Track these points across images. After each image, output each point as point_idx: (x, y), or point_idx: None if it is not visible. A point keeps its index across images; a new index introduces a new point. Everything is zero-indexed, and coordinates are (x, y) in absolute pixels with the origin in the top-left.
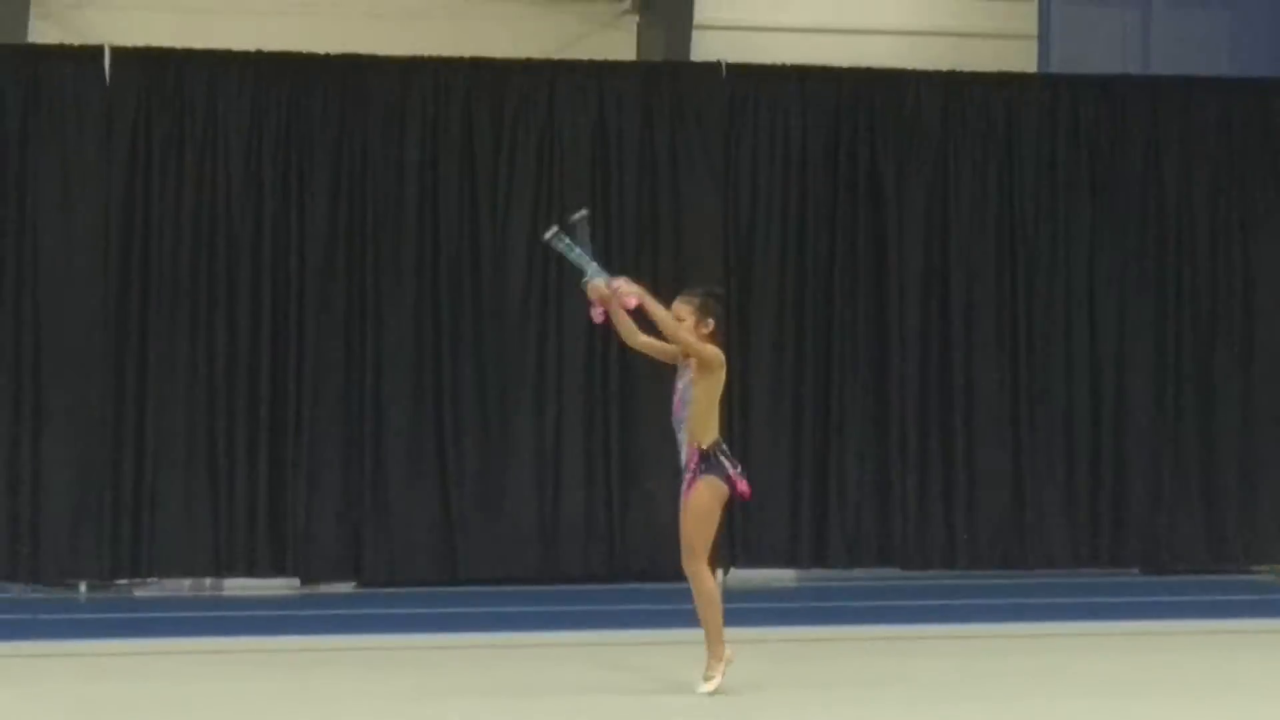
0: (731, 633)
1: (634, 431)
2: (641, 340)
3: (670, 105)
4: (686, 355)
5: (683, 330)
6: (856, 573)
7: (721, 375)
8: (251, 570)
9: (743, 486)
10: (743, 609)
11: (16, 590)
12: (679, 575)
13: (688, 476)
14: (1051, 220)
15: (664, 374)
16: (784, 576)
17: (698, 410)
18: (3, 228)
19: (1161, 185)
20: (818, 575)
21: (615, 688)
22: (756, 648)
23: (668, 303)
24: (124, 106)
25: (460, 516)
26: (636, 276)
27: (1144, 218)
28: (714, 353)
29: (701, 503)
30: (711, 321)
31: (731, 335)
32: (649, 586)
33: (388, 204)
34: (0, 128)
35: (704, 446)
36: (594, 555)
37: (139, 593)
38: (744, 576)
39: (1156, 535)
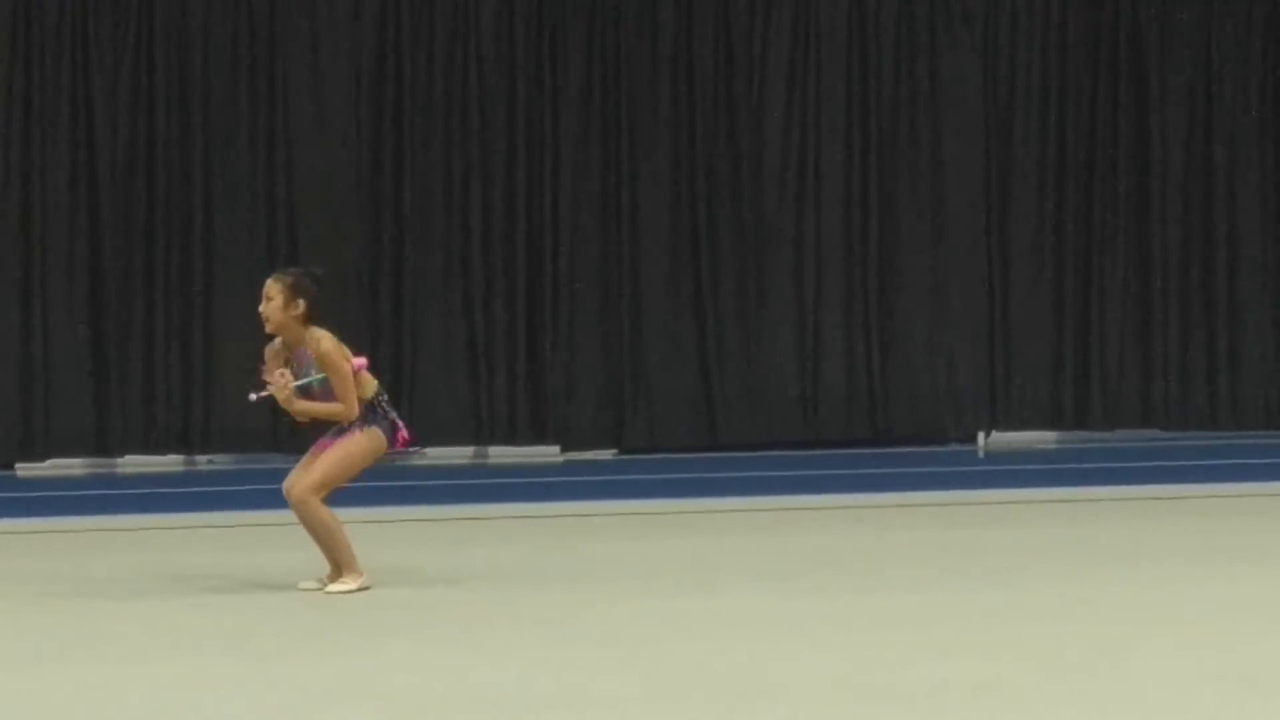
0: (994, 494)
1: (893, 298)
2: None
3: None
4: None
5: (344, 404)
6: (1117, 434)
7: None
8: (513, 439)
9: (404, 435)
10: (1007, 470)
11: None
12: (937, 437)
13: (352, 428)
14: None
15: (923, 240)
16: (1045, 439)
17: (346, 388)
18: (255, 98)
19: None
20: (1078, 437)
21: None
22: (1021, 508)
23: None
24: None
25: (720, 383)
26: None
27: None
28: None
29: (358, 448)
30: (302, 302)
31: (992, 205)
32: (911, 450)
33: (642, 75)
34: None
35: (366, 398)
36: (856, 420)
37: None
38: (1006, 439)
39: None
